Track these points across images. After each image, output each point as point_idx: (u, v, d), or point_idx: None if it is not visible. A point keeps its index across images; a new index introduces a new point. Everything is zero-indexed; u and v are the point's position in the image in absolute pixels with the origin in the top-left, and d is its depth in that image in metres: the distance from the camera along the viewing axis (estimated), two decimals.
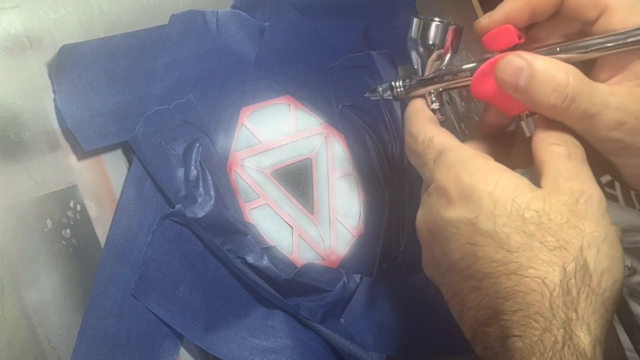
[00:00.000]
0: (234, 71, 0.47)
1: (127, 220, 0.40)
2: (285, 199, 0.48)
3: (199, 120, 0.44)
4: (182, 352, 0.41)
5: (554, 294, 0.31)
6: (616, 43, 0.36)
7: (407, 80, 0.42)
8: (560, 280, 0.31)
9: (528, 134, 0.38)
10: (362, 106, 0.52)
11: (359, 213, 0.51)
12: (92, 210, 0.40)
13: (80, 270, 0.39)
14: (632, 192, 0.83)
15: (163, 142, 0.42)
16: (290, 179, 0.48)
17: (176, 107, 0.43)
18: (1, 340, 0.36)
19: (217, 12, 0.46)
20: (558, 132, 0.36)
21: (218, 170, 0.44)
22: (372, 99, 0.45)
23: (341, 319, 0.48)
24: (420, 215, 0.38)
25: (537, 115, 0.38)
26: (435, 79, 0.41)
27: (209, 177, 0.43)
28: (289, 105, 0.49)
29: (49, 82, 0.40)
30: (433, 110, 0.41)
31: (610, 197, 0.85)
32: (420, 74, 0.41)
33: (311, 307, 0.45)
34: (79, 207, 0.40)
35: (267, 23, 0.48)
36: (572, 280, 0.31)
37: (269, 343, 0.43)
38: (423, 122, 0.39)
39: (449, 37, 0.40)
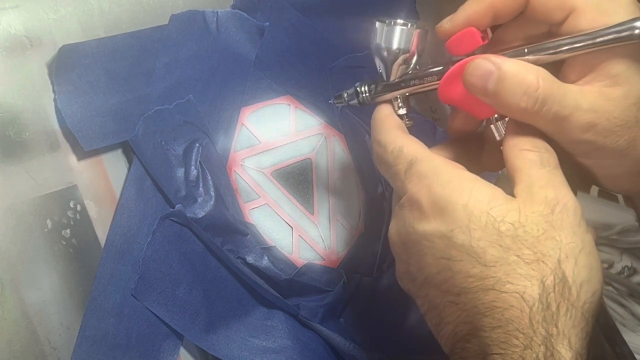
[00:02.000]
0: (234, 71, 0.47)
1: (127, 220, 0.40)
2: (285, 199, 0.48)
3: (199, 120, 0.44)
4: (182, 352, 0.42)
5: (534, 309, 0.30)
6: (585, 43, 0.35)
7: (373, 86, 0.41)
8: (540, 295, 0.30)
9: (498, 138, 0.37)
10: (354, 106, 0.52)
11: (359, 213, 0.51)
12: (92, 210, 0.40)
13: (80, 270, 0.39)
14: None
15: (163, 142, 0.42)
16: (290, 179, 0.48)
17: (176, 107, 0.43)
18: (1, 340, 0.36)
19: (217, 12, 0.46)
20: (529, 137, 0.35)
21: (218, 170, 0.44)
22: (337, 104, 0.43)
23: (341, 319, 0.48)
24: (393, 228, 0.37)
25: (506, 119, 0.37)
26: (402, 84, 0.40)
27: (209, 177, 0.43)
28: (289, 105, 0.49)
29: (49, 82, 0.40)
30: (400, 116, 0.40)
31: (610, 197, 0.85)
32: (385, 79, 0.40)
33: (311, 307, 0.45)
34: (79, 207, 0.40)
35: (267, 23, 0.48)
36: (552, 294, 0.30)
37: (269, 343, 0.43)
38: (391, 130, 0.38)
39: (415, 41, 0.39)
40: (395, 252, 0.37)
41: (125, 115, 0.41)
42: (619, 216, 0.76)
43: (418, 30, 0.39)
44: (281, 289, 0.44)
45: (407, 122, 0.40)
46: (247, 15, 0.47)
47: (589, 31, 0.35)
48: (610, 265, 0.73)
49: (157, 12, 0.45)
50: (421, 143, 0.37)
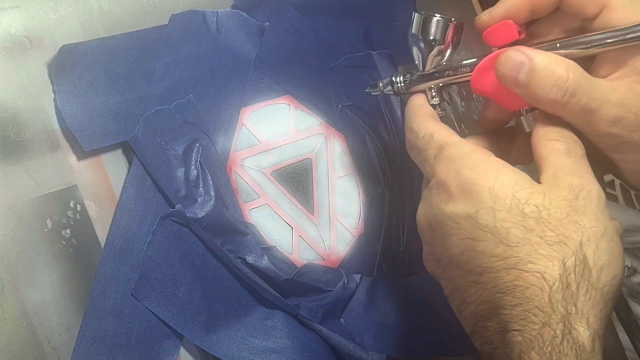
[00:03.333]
0: (234, 71, 0.47)
1: (127, 220, 0.40)
2: (285, 199, 0.48)
3: (199, 120, 0.44)
4: (182, 352, 0.41)
5: (554, 288, 0.31)
6: (616, 39, 0.36)
7: (408, 76, 0.42)
8: (560, 275, 0.31)
9: (528, 130, 0.38)
10: (362, 106, 0.52)
11: (359, 213, 0.51)
12: (92, 210, 0.40)
13: (80, 270, 0.39)
14: (632, 192, 0.84)
15: (163, 142, 0.42)
16: (290, 179, 0.48)
17: (176, 107, 0.43)
18: (1, 340, 0.36)
19: (217, 12, 0.46)
20: (557, 127, 0.36)
21: (218, 170, 0.44)
22: (373, 94, 0.45)
23: (341, 319, 0.48)
24: (421, 210, 0.38)
25: (536, 111, 0.38)
26: (436, 75, 0.41)
27: (209, 177, 0.43)
28: (289, 105, 0.49)
29: (49, 82, 0.40)
30: (433, 106, 0.41)
31: (610, 197, 0.85)
32: (420, 69, 0.41)
33: (311, 307, 0.45)
34: (79, 207, 0.40)
35: (267, 23, 0.48)
36: (572, 275, 0.31)
37: (269, 343, 0.43)
38: (423, 118, 0.39)
39: (450, 33, 0.40)
40: (422, 234, 0.38)
41: (125, 115, 0.41)
42: (619, 216, 0.76)
43: (454, 23, 0.40)
44: (281, 289, 0.44)
45: (440, 112, 0.41)
46: (247, 15, 0.47)
47: (621, 27, 0.36)
48: None
49: (157, 12, 0.45)
50: (452, 130, 0.38)
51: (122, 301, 0.39)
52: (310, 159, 0.49)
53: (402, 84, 0.42)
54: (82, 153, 0.40)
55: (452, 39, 0.40)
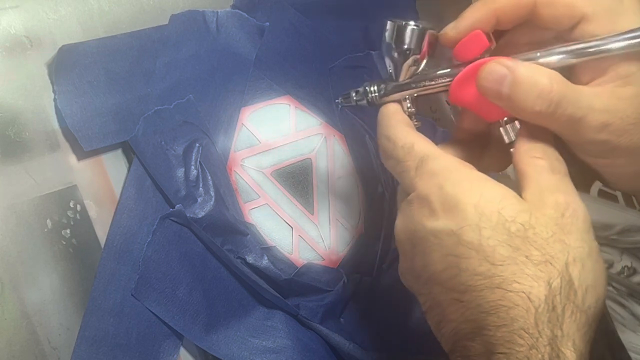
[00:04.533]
0: (234, 71, 0.47)
1: (127, 220, 0.40)
2: (285, 199, 0.48)
3: (199, 120, 0.44)
4: (182, 352, 0.42)
5: (540, 309, 0.30)
6: (598, 49, 0.35)
7: (382, 85, 0.40)
8: (546, 296, 0.30)
9: (507, 141, 0.37)
10: (362, 106, 0.52)
11: (359, 213, 0.51)
12: (92, 210, 0.40)
13: (80, 270, 0.39)
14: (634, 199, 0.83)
15: (163, 142, 0.42)
16: (290, 179, 0.48)
17: (176, 107, 0.43)
18: (1, 340, 0.36)
19: (217, 12, 0.46)
20: (540, 144, 0.36)
21: (218, 170, 0.44)
22: (344, 104, 0.43)
23: (341, 319, 0.48)
24: (400, 224, 0.37)
25: (515, 122, 0.37)
26: (412, 84, 0.40)
27: (209, 177, 0.43)
28: (289, 105, 0.49)
29: (49, 82, 0.40)
30: (409, 115, 0.40)
31: (610, 197, 0.85)
32: (395, 79, 0.40)
33: (311, 307, 0.45)
34: (79, 207, 0.40)
35: (267, 23, 0.48)
36: (558, 297, 0.31)
37: (269, 343, 0.43)
38: (401, 127, 0.38)
39: (426, 42, 0.39)
40: (401, 248, 0.37)
41: (125, 115, 0.41)
42: (619, 216, 0.76)
43: (430, 32, 0.39)
44: (281, 289, 0.44)
45: (416, 123, 0.40)
46: (247, 15, 0.47)
47: (601, 37, 0.35)
48: (610, 265, 0.72)
49: (157, 12, 0.45)
50: (430, 141, 0.37)
51: (122, 301, 0.39)
52: (310, 159, 0.49)
53: (377, 94, 0.41)
54: (82, 153, 0.40)
55: (428, 48, 0.39)
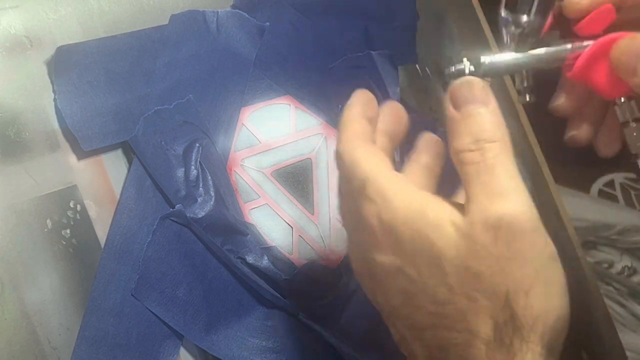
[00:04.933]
0: (234, 71, 0.47)
1: (127, 220, 0.40)
2: (285, 199, 0.48)
3: (199, 120, 0.44)
4: (182, 352, 0.42)
5: (491, 346, 0.28)
6: None
7: (497, 57, 0.38)
8: (494, 332, 0.28)
9: (622, 120, 0.37)
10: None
11: None
12: (92, 210, 0.40)
13: (80, 270, 0.39)
14: (632, 192, 0.84)
15: (163, 142, 0.42)
16: (290, 179, 0.48)
17: (176, 107, 0.43)
18: (1, 340, 0.36)
19: (217, 12, 0.46)
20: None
21: (218, 170, 0.44)
22: (452, 76, 0.41)
23: (341, 319, 0.48)
24: (353, 255, 0.34)
25: (631, 101, 0.36)
26: (530, 58, 0.38)
27: (209, 177, 0.43)
28: (289, 105, 0.49)
29: (49, 82, 0.40)
30: (522, 90, 0.38)
31: (610, 197, 0.85)
32: (512, 50, 0.38)
33: (311, 307, 0.45)
34: (79, 207, 0.40)
35: (267, 23, 0.48)
36: (504, 330, 0.28)
37: (269, 343, 0.43)
38: (352, 138, 0.33)
39: (551, 14, 0.37)
40: (361, 280, 0.34)
41: (125, 115, 0.41)
42: (619, 216, 0.76)
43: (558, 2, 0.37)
44: (281, 289, 0.44)
45: (529, 97, 0.38)
46: (247, 15, 0.47)
47: None
48: (610, 265, 0.73)
49: (157, 12, 0.45)
50: (382, 155, 0.33)
51: (122, 301, 0.39)
52: (310, 159, 0.49)
53: (492, 65, 0.38)
54: (82, 153, 0.40)
55: (550, 21, 0.37)
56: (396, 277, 0.30)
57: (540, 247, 0.29)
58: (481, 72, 0.38)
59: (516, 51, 0.38)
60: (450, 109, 0.32)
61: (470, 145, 0.30)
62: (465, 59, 0.38)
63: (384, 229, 0.31)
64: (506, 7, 0.38)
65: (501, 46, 0.39)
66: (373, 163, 0.32)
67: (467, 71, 0.38)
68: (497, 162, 0.30)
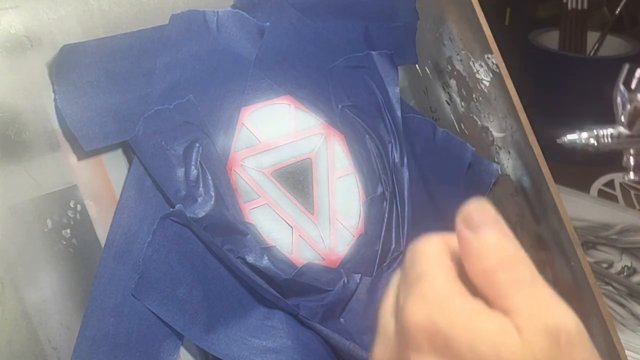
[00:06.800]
0: (234, 71, 0.47)
1: (127, 220, 0.40)
2: (285, 199, 0.48)
3: (199, 120, 0.44)
4: (182, 352, 0.42)
5: None
6: None
7: (614, 132, 0.38)
8: None
9: None
10: (362, 106, 0.52)
11: (359, 213, 0.51)
12: (92, 210, 0.40)
13: (80, 270, 0.39)
14: (632, 192, 0.84)
15: (163, 142, 0.42)
16: (290, 179, 0.48)
17: (176, 107, 0.43)
18: (1, 340, 0.36)
19: (218, 12, 0.46)
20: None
21: (218, 170, 0.44)
22: (569, 144, 0.40)
23: (341, 319, 0.48)
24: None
25: None
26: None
27: (209, 177, 0.43)
28: (289, 105, 0.49)
29: (49, 82, 0.40)
30: (628, 167, 0.37)
31: (610, 197, 0.85)
32: (627, 127, 0.38)
33: (311, 307, 0.45)
34: (79, 207, 0.40)
35: (267, 23, 0.48)
36: None
37: (269, 343, 0.43)
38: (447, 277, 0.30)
39: None
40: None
41: (125, 115, 0.41)
42: (619, 216, 0.76)
43: None
44: (281, 288, 0.44)
45: (634, 176, 0.38)
46: (247, 15, 0.47)
47: None
48: (610, 265, 0.73)
49: (157, 12, 0.45)
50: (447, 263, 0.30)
51: (122, 301, 0.39)
52: (310, 159, 0.49)
53: (609, 140, 0.38)
54: (82, 153, 0.40)
55: None
56: None
57: (592, 349, 0.28)
58: (597, 142, 0.38)
59: (627, 129, 0.38)
60: (464, 231, 0.30)
61: (498, 265, 0.29)
62: (579, 132, 0.38)
63: (433, 330, 0.28)
64: (624, 84, 0.37)
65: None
66: (438, 266, 0.30)
67: (580, 139, 0.38)
68: (535, 277, 0.29)
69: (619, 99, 0.38)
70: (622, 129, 0.38)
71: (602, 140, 0.39)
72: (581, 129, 0.40)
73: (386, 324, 0.31)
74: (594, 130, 0.39)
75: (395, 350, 0.30)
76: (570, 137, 0.40)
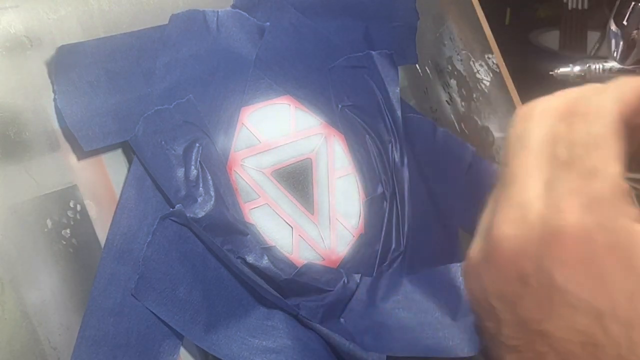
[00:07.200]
0: (234, 71, 0.47)
1: (127, 220, 0.40)
2: (285, 199, 0.48)
3: (199, 120, 0.44)
4: (182, 352, 0.42)
5: None
6: None
7: (607, 65, 0.37)
8: None
9: None
10: (362, 106, 0.52)
11: (359, 213, 0.51)
12: (92, 210, 0.40)
13: (80, 270, 0.39)
14: (632, 192, 0.83)
15: (163, 142, 0.42)
16: (290, 179, 0.48)
17: (176, 107, 0.43)
18: (1, 340, 0.36)
19: (218, 11, 0.46)
20: None
21: (218, 170, 0.44)
22: (560, 76, 0.39)
23: (341, 319, 0.48)
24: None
25: None
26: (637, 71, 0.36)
27: (209, 177, 0.43)
28: (289, 105, 0.49)
29: (49, 82, 0.40)
30: None
31: None
32: (618, 62, 0.37)
33: (311, 307, 0.45)
34: (79, 207, 0.40)
35: (267, 23, 0.48)
36: None
37: (269, 343, 0.43)
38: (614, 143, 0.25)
39: None
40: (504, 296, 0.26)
41: (125, 115, 0.41)
42: None
43: None
44: (281, 289, 0.44)
45: None
46: (247, 15, 0.47)
47: None
48: None
49: (157, 12, 0.45)
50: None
51: (122, 301, 0.39)
52: (310, 159, 0.49)
53: (601, 72, 0.38)
54: (82, 153, 0.40)
55: None
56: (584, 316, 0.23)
57: None
58: (587, 75, 0.38)
59: (620, 63, 0.38)
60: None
61: None
62: (571, 64, 0.38)
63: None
64: (615, 21, 0.37)
65: (607, 56, 0.39)
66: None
67: (572, 72, 0.38)
68: None
69: (611, 36, 0.38)
70: (615, 63, 0.39)
71: (594, 73, 0.40)
72: (574, 63, 0.41)
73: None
74: (587, 64, 0.40)
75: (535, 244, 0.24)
76: (563, 69, 0.41)
